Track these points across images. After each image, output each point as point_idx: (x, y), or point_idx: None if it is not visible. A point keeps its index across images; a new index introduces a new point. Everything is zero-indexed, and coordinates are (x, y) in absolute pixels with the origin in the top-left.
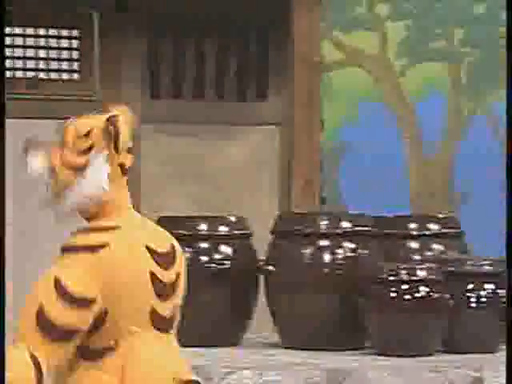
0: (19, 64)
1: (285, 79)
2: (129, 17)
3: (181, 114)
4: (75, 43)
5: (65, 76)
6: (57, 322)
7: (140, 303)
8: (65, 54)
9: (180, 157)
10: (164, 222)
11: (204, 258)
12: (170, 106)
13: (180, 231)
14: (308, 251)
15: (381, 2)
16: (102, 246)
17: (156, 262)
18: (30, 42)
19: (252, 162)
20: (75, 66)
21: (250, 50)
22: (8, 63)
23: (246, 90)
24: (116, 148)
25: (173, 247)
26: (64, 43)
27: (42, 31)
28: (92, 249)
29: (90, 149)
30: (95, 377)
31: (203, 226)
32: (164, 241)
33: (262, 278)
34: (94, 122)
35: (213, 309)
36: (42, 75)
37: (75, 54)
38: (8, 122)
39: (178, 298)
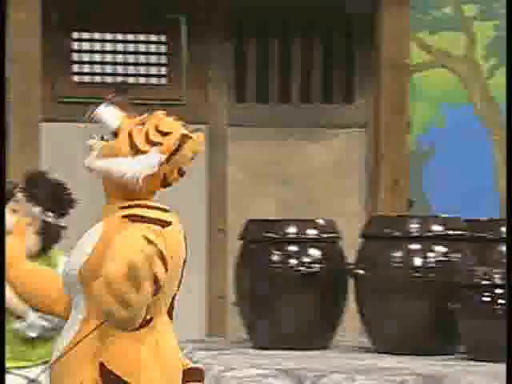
0: (109, 69)
1: (372, 81)
2: (215, 21)
3: (266, 116)
4: (163, 48)
5: (153, 80)
6: (157, 275)
7: (173, 289)
8: (153, 59)
9: (265, 159)
10: (253, 225)
11: (293, 261)
12: (256, 109)
13: (269, 234)
14: (398, 255)
15: (468, 3)
16: (170, 224)
17: (185, 251)
18: (119, 47)
19: (338, 165)
20: (163, 70)
21: (336, 50)
22: (98, 68)
23: (332, 92)
24: (168, 160)
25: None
26: (152, 48)
27: (130, 37)
28: (162, 223)
29: (156, 144)
30: (135, 348)
31: (292, 229)
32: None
33: (351, 281)
34: (175, 128)
35: (302, 312)
36: (131, 80)
37: (163, 59)
38: (96, 126)
39: None
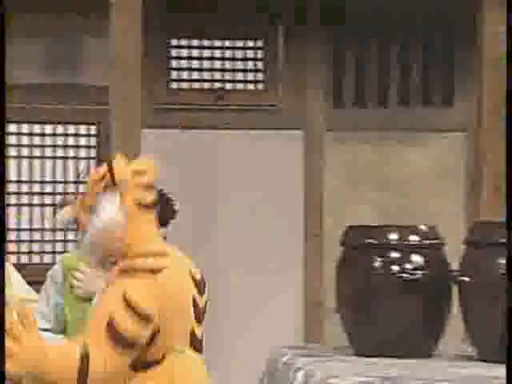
0: (206, 76)
1: (474, 81)
2: (312, 26)
3: (364, 121)
4: (260, 54)
5: (250, 86)
6: (126, 333)
7: (185, 324)
8: (250, 65)
9: (362, 164)
10: (353, 231)
11: (395, 268)
12: (353, 114)
13: (370, 240)
14: (503, 261)
15: None
16: (160, 271)
17: (196, 287)
18: (216, 53)
19: (437, 169)
20: (260, 76)
21: (436, 52)
22: (195, 75)
23: (431, 95)
24: (113, 182)
25: (202, 274)
26: (249, 54)
27: (227, 43)
28: (152, 271)
29: (105, 191)
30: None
31: (394, 236)
32: (196, 268)
33: (455, 287)
34: (107, 167)
35: (404, 319)
36: (228, 86)
37: (260, 65)
38: (194, 132)
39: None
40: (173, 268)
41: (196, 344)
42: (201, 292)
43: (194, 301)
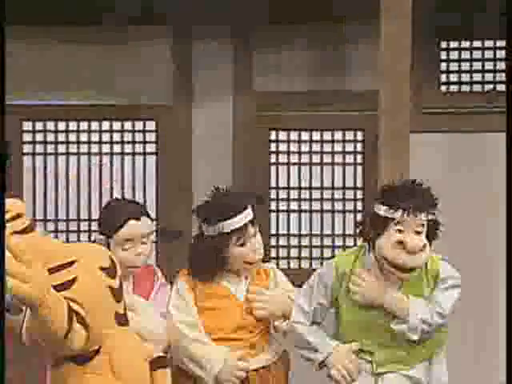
0: (477, 78)
1: None
2: None
3: None
4: None
5: None
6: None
7: (109, 313)
8: None
9: None
10: None
11: None
12: None
13: None
14: None
15: None
16: (74, 280)
17: (108, 275)
18: (487, 54)
19: None
20: None
21: None
22: (464, 77)
23: None
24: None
25: (112, 260)
26: None
27: (499, 43)
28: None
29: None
30: (80, 376)
31: None
32: (106, 255)
33: None
34: None
35: None
36: (499, 87)
37: None
38: (464, 136)
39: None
40: (83, 272)
41: (121, 320)
42: (112, 276)
43: (110, 287)
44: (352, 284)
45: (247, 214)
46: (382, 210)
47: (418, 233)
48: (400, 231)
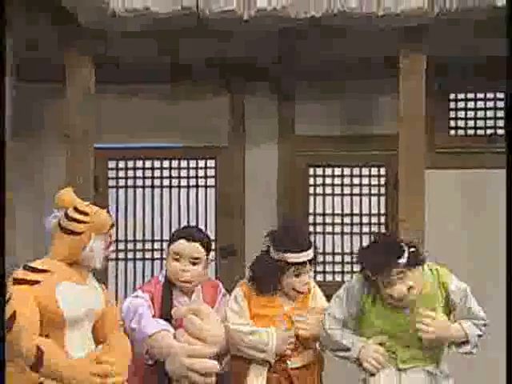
0: (480, 123)
1: None
2: None
3: None
4: None
5: None
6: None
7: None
8: None
9: None
10: None
11: None
12: None
13: None
14: None
15: None
16: (38, 282)
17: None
18: (489, 104)
19: None
20: None
21: None
22: (469, 123)
23: None
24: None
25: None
26: None
27: (500, 95)
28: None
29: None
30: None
31: None
32: (81, 274)
33: None
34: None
35: None
36: (499, 132)
37: None
38: (468, 172)
39: None
40: (45, 282)
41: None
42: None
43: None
44: (422, 324)
45: (309, 254)
46: (368, 273)
47: (401, 278)
48: (386, 284)
